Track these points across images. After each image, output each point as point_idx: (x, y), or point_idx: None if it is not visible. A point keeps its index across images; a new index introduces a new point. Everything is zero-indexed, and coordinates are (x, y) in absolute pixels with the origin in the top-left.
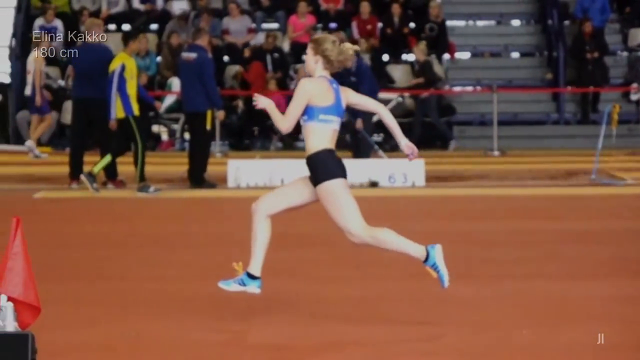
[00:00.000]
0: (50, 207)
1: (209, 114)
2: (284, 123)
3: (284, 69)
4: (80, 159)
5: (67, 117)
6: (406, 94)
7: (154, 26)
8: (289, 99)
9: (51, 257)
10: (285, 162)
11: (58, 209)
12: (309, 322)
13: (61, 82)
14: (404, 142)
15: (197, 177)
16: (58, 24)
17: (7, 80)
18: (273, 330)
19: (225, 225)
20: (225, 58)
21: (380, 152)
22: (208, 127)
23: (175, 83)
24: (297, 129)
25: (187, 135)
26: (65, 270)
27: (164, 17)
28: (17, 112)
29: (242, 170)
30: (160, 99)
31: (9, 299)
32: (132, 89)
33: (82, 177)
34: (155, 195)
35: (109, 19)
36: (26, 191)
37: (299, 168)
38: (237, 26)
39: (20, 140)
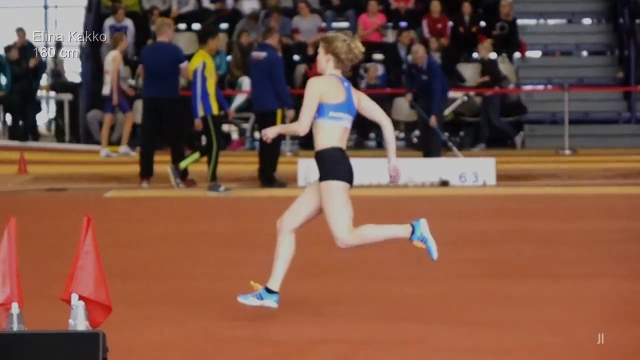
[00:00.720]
0: (121, 206)
1: (278, 113)
2: (299, 126)
3: (354, 68)
4: (151, 158)
5: (137, 116)
6: (472, 93)
7: (224, 25)
8: None
9: (121, 256)
10: (356, 161)
11: (128, 208)
12: (375, 321)
13: (131, 82)
14: (392, 163)
15: (267, 176)
16: (128, 23)
17: (77, 79)
18: (344, 327)
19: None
20: (296, 57)
21: (455, 150)
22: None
23: (245, 82)
24: (367, 128)
25: (257, 135)
26: (136, 269)
27: (234, 16)
28: (87, 111)
29: (312, 169)
30: (231, 98)
31: (80, 297)
32: (211, 88)
33: (168, 169)
34: (226, 195)
35: (179, 18)
36: (97, 190)
37: (367, 167)
38: (307, 25)
39: (90, 140)
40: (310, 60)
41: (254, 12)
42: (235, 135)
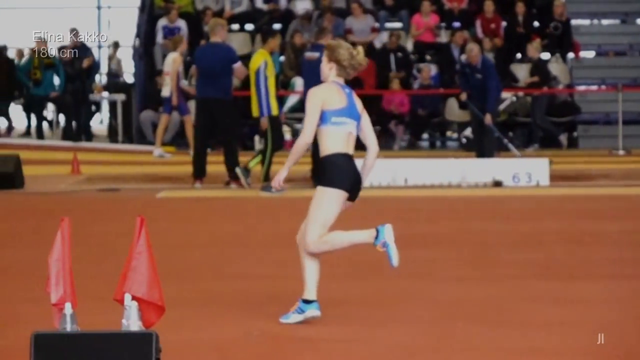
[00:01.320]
0: (173, 207)
1: None
2: (304, 137)
3: (407, 69)
4: (204, 158)
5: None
6: (520, 93)
7: (277, 26)
8: (412, 98)
9: (175, 257)
10: (409, 162)
11: (181, 209)
12: (426, 323)
13: (185, 82)
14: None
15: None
16: (181, 24)
17: (130, 79)
18: (397, 329)
19: (349, 224)
20: None
21: (513, 149)
22: None
23: (298, 82)
24: (420, 128)
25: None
26: (189, 269)
27: (287, 16)
28: (140, 111)
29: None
30: (284, 98)
31: (133, 298)
32: (271, 87)
33: (237, 170)
34: (279, 195)
35: (232, 18)
36: (149, 191)
37: (422, 167)
38: (360, 25)
39: (143, 140)
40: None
41: (307, 12)
42: (288, 136)
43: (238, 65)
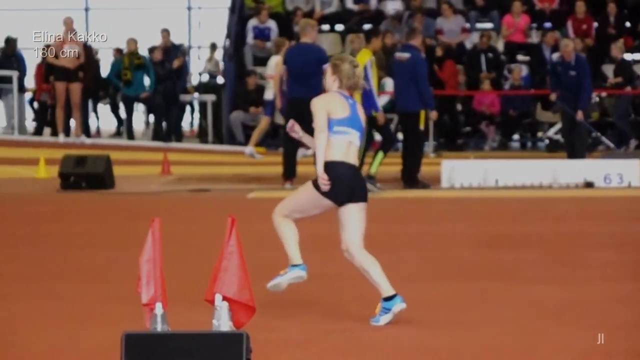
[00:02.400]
0: (264, 207)
1: (421, 114)
2: (318, 136)
3: (498, 69)
4: (294, 159)
5: (280, 117)
6: (604, 94)
7: (367, 26)
8: (502, 99)
9: (265, 257)
10: (500, 163)
11: (271, 209)
12: (525, 323)
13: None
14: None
15: (411, 177)
16: (272, 24)
17: (220, 80)
18: (485, 331)
19: (440, 226)
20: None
21: (606, 141)
22: (421, 127)
23: (388, 83)
24: (510, 129)
25: (400, 136)
26: (279, 269)
27: (377, 17)
28: (230, 112)
29: (456, 171)
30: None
31: (224, 298)
32: (375, 86)
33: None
34: (374, 195)
35: (323, 19)
36: (240, 191)
37: (513, 168)
38: (450, 26)
39: (233, 141)
40: (437, 61)
41: (397, 12)
42: (378, 136)
43: (328, 65)
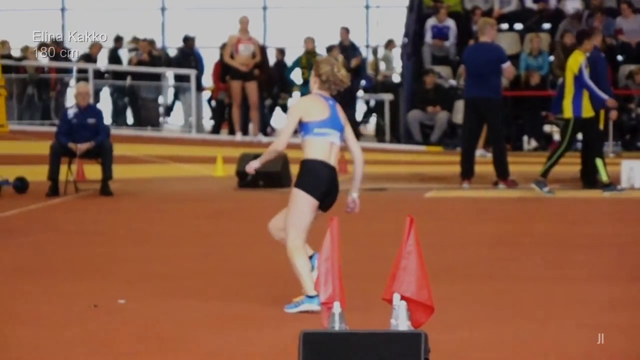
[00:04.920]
0: (441, 207)
1: (601, 113)
2: (277, 143)
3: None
4: (472, 158)
5: (458, 116)
6: None
7: (546, 25)
8: None
9: (443, 257)
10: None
11: (449, 209)
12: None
13: (452, 82)
14: (353, 195)
15: (590, 178)
16: (450, 23)
17: (398, 79)
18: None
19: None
20: (619, 57)
21: None
22: (600, 127)
23: None
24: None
25: (579, 136)
26: (457, 269)
27: (556, 16)
28: (407, 111)
29: (635, 171)
30: (552, 99)
31: (402, 298)
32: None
33: (532, 185)
34: (548, 196)
35: (501, 18)
36: (417, 190)
37: None
38: (630, 25)
39: (410, 140)
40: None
41: (577, 12)
42: (557, 136)
43: (507, 65)
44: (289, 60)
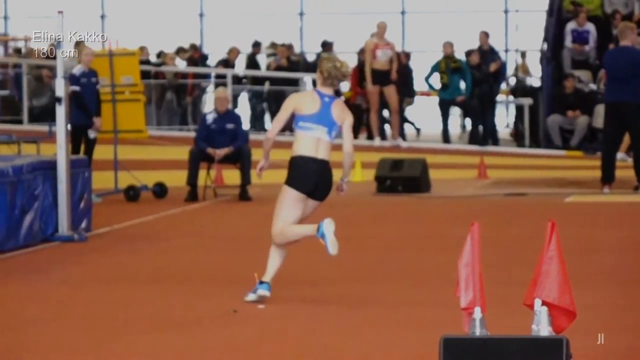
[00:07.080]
0: (582, 212)
1: None
2: (268, 132)
3: None
4: (613, 162)
5: (598, 121)
6: None
7: None
8: None
9: (584, 262)
10: None
11: (589, 214)
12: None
13: (593, 86)
14: (343, 180)
15: None
16: (590, 27)
17: (537, 83)
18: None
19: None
20: None
21: None
22: None
23: None
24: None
25: None
26: (600, 275)
27: None
28: (547, 115)
29: None
30: None
31: (544, 303)
32: None
33: None
34: None
35: None
36: (557, 195)
37: None
38: None
39: (550, 144)
40: None
41: None
42: None
43: None
44: (416, 64)
